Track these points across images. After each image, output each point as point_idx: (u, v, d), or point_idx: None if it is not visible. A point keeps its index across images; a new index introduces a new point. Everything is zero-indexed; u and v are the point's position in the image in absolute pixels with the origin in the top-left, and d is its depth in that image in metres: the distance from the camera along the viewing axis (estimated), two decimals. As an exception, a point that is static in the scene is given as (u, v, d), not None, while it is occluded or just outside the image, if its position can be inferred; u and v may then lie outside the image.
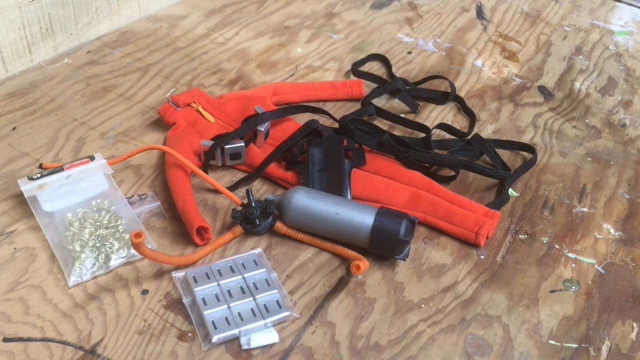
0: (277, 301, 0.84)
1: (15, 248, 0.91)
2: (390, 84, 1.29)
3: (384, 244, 0.90)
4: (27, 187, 0.95)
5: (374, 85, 1.33)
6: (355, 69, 1.36)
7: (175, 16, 1.54)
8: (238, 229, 0.94)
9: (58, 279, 0.87)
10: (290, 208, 0.93)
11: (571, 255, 0.97)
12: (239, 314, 0.82)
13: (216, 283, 0.86)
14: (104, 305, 0.84)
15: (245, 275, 0.87)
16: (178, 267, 0.89)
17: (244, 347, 0.80)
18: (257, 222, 0.93)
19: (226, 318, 0.81)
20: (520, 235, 1.00)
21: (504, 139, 1.20)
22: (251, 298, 0.84)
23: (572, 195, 1.09)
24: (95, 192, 0.97)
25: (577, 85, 1.41)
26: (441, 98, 1.29)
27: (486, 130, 1.23)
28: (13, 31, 1.25)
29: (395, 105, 1.28)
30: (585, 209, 1.06)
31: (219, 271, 0.87)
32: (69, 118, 1.17)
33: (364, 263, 0.87)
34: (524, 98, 1.34)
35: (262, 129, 1.08)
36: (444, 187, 1.03)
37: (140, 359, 0.78)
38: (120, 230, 0.92)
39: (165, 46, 1.42)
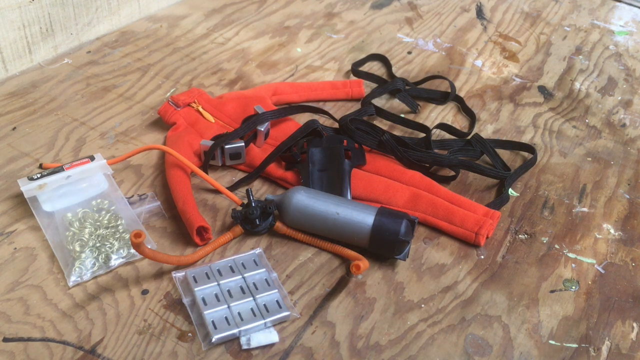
0: (277, 301, 0.84)
1: (15, 248, 0.91)
2: (390, 84, 1.29)
3: (384, 244, 0.90)
4: (27, 187, 0.95)
5: (374, 85, 1.33)
6: (355, 69, 1.36)
7: (175, 16, 1.54)
8: (238, 229, 0.94)
9: (58, 279, 0.87)
10: (290, 208, 0.93)
11: (571, 255, 0.97)
12: (239, 314, 0.82)
13: (216, 283, 0.86)
14: (104, 305, 0.84)
15: (245, 275, 0.87)
16: (178, 267, 0.89)
17: (244, 347, 0.80)
18: (257, 222, 0.93)
19: (226, 318, 0.81)
20: (520, 235, 1.00)
21: (504, 139, 1.20)
22: (251, 298, 0.84)
23: (572, 195, 1.09)
24: (95, 192, 0.97)
25: (577, 85, 1.41)
26: (441, 98, 1.29)
27: (486, 130, 1.23)
28: (13, 31, 1.25)
29: (395, 105, 1.28)
30: (585, 209, 1.06)
31: (219, 271, 0.87)
32: (69, 118, 1.17)
33: (364, 263, 0.87)
34: (524, 98, 1.34)
35: (262, 129, 1.08)
36: (444, 187, 1.03)
37: (140, 359, 0.78)
38: (120, 230, 0.92)
39: (165, 46, 1.42)
